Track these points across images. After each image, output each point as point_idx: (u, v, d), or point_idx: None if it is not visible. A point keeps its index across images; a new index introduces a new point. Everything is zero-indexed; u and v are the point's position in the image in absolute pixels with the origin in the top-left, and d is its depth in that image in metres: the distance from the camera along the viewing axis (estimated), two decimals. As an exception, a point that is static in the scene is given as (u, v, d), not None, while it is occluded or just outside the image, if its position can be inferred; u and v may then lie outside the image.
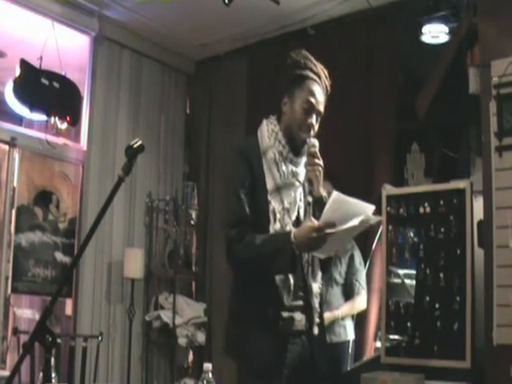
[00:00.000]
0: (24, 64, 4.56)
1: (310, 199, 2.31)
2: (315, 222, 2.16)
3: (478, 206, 3.29)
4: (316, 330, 2.33)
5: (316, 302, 2.35)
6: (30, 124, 4.95)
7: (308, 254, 2.32)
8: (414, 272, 3.40)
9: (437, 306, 3.26)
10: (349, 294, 4.01)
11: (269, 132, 2.40)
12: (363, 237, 4.26)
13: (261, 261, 2.23)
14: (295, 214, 2.34)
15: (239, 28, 5.03)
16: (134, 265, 4.91)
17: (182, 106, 5.81)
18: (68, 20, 4.80)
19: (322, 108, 2.40)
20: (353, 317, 4.01)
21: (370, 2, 4.53)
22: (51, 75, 4.67)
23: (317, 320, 2.34)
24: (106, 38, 5.08)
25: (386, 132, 4.66)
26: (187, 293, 5.45)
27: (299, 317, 2.30)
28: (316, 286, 2.35)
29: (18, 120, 4.94)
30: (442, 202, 3.34)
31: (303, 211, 2.36)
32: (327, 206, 2.14)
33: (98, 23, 4.94)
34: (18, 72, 4.55)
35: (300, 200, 2.37)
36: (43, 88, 4.61)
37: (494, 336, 3.10)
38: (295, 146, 2.38)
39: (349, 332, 3.95)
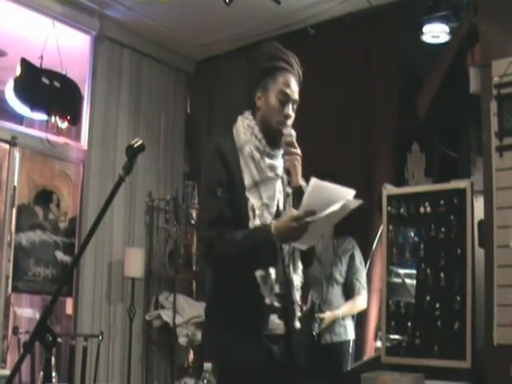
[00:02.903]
0: (25, 63, 4.56)
1: (288, 190, 2.27)
2: (294, 212, 2.11)
3: (478, 206, 3.29)
4: (298, 324, 2.28)
5: (297, 294, 2.29)
6: (31, 123, 4.95)
7: (289, 246, 2.26)
8: (414, 272, 3.40)
9: (437, 305, 3.26)
10: (349, 293, 4.01)
11: (244, 127, 2.35)
12: (364, 236, 4.27)
13: (243, 256, 2.16)
14: (275, 207, 2.28)
15: (239, 28, 5.03)
16: (135, 264, 4.91)
17: (182, 106, 5.81)
18: (69, 19, 4.80)
19: (297, 96, 2.34)
20: (353, 316, 4.01)
21: (370, 1, 4.53)
22: (52, 74, 4.68)
23: (298, 314, 2.29)
24: (106, 37, 5.08)
25: (386, 132, 4.66)
26: (187, 292, 5.45)
27: (278, 321, 2.23)
28: (297, 279, 2.30)
29: (19, 119, 4.94)
30: (442, 202, 3.34)
31: (283, 203, 2.30)
32: (306, 194, 2.09)
33: (99, 22, 4.94)
34: (18, 71, 4.55)
35: (280, 192, 2.31)
36: (44, 87, 4.61)
37: (495, 336, 3.10)
38: (272, 139, 2.31)
39: (349, 332, 3.95)
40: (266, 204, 2.25)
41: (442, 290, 3.26)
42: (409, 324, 3.34)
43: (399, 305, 3.41)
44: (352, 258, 4.03)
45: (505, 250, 3.13)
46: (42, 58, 4.62)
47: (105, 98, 5.08)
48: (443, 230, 3.31)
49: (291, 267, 2.28)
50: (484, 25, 3.43)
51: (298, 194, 2.22)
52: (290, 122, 2.32)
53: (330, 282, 3.96)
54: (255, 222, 2.22)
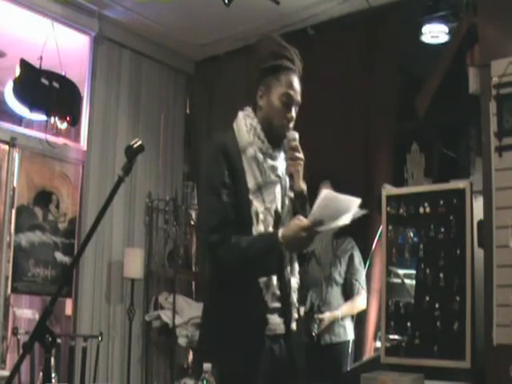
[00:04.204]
0: (24, 64, 4.55)
1: (291, 194, 2.25)
2: (304, 221, 2.08)
3: (477, 206, 3.30)
4: (294, 326, 2.26)
5: (294, 296, 2.28)
6: (30, 124, 4.95)
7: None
8: (413, 272, 3.40)
9: (437, 305, 3.27)
10: (348, 294, 4.01)
11: (247, 127, 2.29)
12: (363, 237, 4.27)
13: (248, 264, 2.15)
14: (274, 210, 2.26)
15: (239, 28, 5.02)
16: (134, 265, 4.91)
17: (182, 106, 5.81)
18: (68, 20, 4.80)
19: (299, 97, 2.31)
20: (352, 317, 4.01)
21: (369, 1, 4.53)
22: (51, 75, 4.67)
23: (295, 316, 2.28)
24: (105, 37, 5.08)
25: (386, 132, 4.66)
26: (187, 293, 5.45)
27: (278, 320, 2.23)
28: (294, 281, 2.29)
29: (18, 120, 4.94)
30: (441, 202, 3.35)
31: (280, 205, 2.28)
32: (316, 205, 2.06)
33: (98, 23, 4.94)
34: (17, 72, 4.54)
35: (279, 194, 2.29)
36: (43, 88, 4.61)
37: (494, 336, 3.10)
38: (274, 140, 2.28)
39: (348, 332, 3.95)
40: (269, 208, 2.23)
41: (441, 290, 3.27)
42: (408, 324, 3.35)
43: (399, 305, 3.41)
44: (351, 258, 4.03)
45: (504, 250, 3.13)
46: (41, 58, 4.61)
47: (104, 99, 5.08)
48: (442, 230, 3.32)
49: (289, 270, 2.27)
50: (483, 25, 3.44)
51: (300, 199, 2.22)
52: (292, 124, 2.30)
53: (329, 283, 3.96)
54: (259, 228, 2.19)
